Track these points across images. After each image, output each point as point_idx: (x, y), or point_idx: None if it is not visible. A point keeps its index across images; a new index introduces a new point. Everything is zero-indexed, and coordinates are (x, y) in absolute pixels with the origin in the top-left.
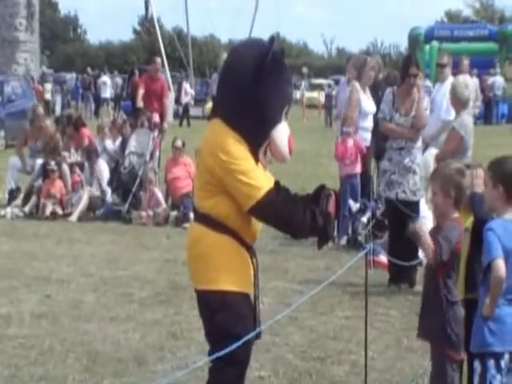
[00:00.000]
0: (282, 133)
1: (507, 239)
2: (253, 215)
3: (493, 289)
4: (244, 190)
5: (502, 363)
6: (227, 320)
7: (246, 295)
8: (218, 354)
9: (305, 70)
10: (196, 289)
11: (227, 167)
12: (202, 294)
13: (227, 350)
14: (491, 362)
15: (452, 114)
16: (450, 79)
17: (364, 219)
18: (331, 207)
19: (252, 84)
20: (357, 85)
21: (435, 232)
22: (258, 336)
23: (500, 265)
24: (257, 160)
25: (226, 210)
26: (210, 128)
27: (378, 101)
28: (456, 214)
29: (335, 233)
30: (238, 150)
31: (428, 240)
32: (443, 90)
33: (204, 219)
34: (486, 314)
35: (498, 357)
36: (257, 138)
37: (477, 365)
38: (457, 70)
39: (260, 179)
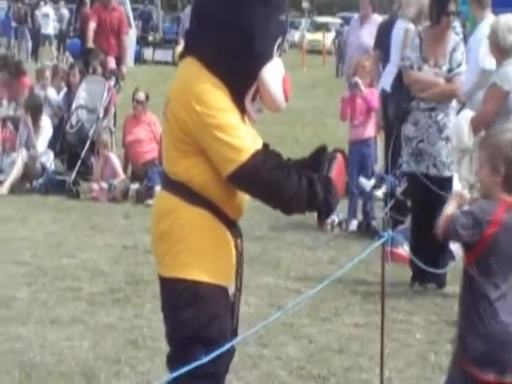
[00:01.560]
0: (274, 72)
1: None
2: (233, 183)
3: None
4: (222, 150)
5: None
6: (197, 318)
7: (223, 288)
8: (184, 369)
9: (305, 4)
10: (160, 275)
11: (202, 120)
12: (167, 282)
13: (199, 362)
14: None
15: (492, 62)
16: (490, 18)
17: (379, 193)
18: (335, 173)
19: (233, 10)
20: (412, 27)
21: None
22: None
23: None
24: (243, 111)
25: (202, 176)
26: (181, 70)
27: (387, 43)
28: (503, 196)
29: (340, 215)
30: (216, 98)
31: (447, 206)
32: (479, 33)
33: (175, 187)
34: None
35: None
36: (242, 79)
37: None
38: None
39: (244, 138)
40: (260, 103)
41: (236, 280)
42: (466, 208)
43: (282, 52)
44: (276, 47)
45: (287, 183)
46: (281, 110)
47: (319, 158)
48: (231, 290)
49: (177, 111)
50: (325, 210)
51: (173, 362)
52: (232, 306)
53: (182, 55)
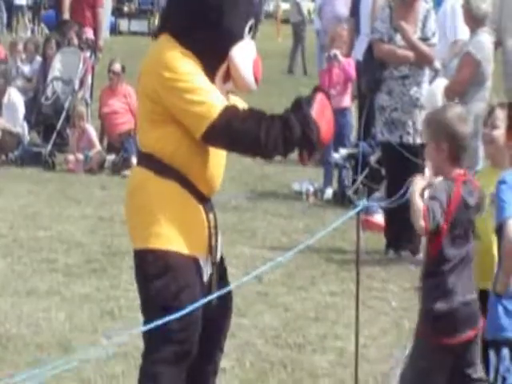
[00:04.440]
0: (244, 52)
1: None
2: (209, 141)
3: (507, 258)
4: (194, 110)
5: None
6: (166, 288)
7: (194, 259)
8: (146, 327)
9: None
10: (133, 248)
11: (171, 85)
12: (138, 254)
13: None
14: (505, 352)
15: (463, 33)
16: None
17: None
18: (316, 110)
19: None
20: None
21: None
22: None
23: None
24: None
25: (171, 146)
26: (155, 46)
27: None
28: (456, 171)
29: (315, 184)
30: (185, 64)
31: (417, 200)
32: (448, 3)
33: (146, 160)
34: (500, 290)
35: None
36: (211, 56)
37: (492, 356)
38: None
39: (213, 96)
40: (231, 84)
41: (210, 254)
42: (431, 194)
43: (255, 34)
44: (247, 28)
45: (261, 128)
46: (250, 91)
47: (297, 103)
48: (203, 262)
49: (146, 81)
50: (305, 146)
51: (147, 331)
52: (210, 280)
53: (157, 33)
